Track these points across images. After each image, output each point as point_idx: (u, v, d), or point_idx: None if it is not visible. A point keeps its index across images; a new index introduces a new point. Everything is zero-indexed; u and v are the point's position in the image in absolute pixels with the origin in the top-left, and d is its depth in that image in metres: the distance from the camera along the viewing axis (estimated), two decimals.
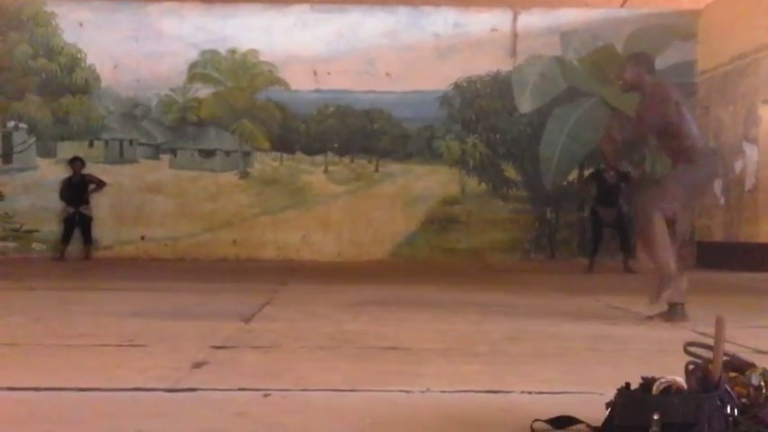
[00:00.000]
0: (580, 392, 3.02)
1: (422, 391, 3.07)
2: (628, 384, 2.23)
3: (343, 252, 13.68)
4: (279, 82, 13.89)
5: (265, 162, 13.95)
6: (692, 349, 2.30)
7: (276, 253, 13.67)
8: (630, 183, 11.59)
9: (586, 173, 13.12)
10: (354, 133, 13.96)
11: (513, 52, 13.90)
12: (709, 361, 2.19)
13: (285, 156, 13.95)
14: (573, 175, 13.82)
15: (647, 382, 2.19)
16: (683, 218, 5.53)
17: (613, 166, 10.74)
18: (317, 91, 13.88)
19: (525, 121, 13.88)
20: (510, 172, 13.92)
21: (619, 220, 11.57)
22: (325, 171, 13.96)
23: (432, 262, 13.37)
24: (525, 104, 13.89)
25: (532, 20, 13.92)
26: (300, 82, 13.84)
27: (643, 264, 5.50)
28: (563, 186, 13.83)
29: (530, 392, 3.06)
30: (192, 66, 13.84)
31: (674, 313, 5.32)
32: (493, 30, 13.92)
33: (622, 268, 11.29)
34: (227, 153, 13.93)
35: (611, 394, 2.27)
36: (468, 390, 3.12)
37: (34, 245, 13.50)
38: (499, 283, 9.20)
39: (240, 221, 13.80)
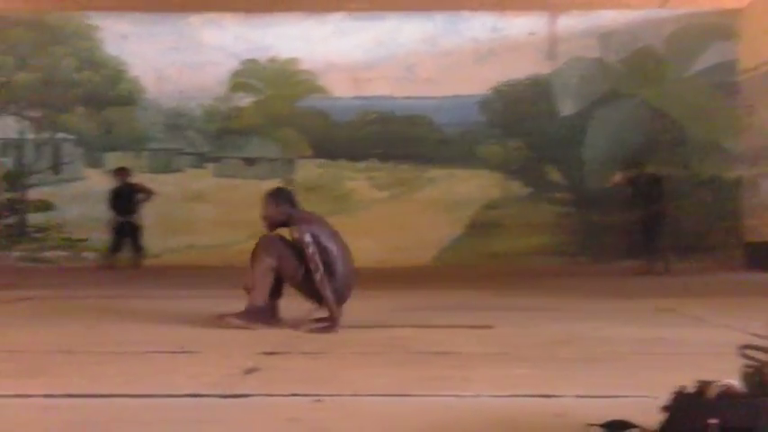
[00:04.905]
0: (633, 396, 3.00)
1: (473, 396, 3.08)
2: (683, 388, 2.21)
3: (388, 258, 13.68)
4: (319, 89, 13.95)
5: (308, 169, 14.02)
6: (749, 352, 2.28)
7: None
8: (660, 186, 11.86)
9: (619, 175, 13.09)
10: (396, 139, 13.96)
11: (552, 55, 13.82)
12: (766, 364, 2.17)
13: (328, 162, 14.01)
14: (617, 178, 13.68)
15: (703, 386, 2.17)
16: None
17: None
18: (358, 98, 13.92)
19: (567, 124, 13.78)
20: (553, 175, 13.82)
21: (649, 220, 11.74)
22: (368, 177, 13.99)
23: (476, 267, 13.31)
24: (567, 107, 13.80)
25: (571, 22, 13.83)
26: (341, 89, 13.89)
27: None
28: (607, 189, 13.70)
29: (582, 396, 3.05)
30: (234, 75, 13.97)
31: None
32: (531, 33, 13.86)
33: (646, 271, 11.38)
34: (270, 161, 14.04)
35: (664, 398, 2.26)
36: (519, 394, 3.11)
37: (85, 253, 13.73)
38: (545, 287, 9.14)
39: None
